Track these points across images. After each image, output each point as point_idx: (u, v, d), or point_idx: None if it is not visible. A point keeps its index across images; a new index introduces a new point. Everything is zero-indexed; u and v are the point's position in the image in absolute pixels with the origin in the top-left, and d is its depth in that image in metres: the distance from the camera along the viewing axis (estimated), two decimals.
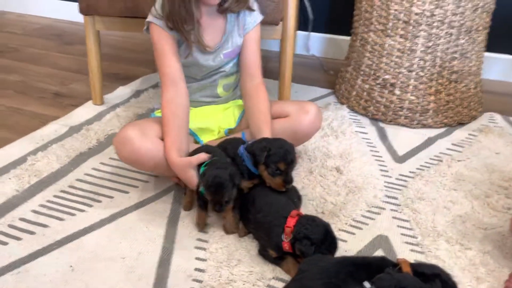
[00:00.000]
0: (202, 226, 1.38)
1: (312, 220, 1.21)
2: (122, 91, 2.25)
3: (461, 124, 2.00)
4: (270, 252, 1.25)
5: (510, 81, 2.47)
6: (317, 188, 1.56)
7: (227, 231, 1.36)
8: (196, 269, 1.24)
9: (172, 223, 1.41)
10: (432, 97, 1.94)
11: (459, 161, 1.72)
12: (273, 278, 1.22)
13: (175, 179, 1.55)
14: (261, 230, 1.28)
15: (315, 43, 2.77)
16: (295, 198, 1.38)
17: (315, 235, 1.17)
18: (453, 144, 1.84)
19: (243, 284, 1.19)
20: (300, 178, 1.61)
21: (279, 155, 1.32)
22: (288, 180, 1.33)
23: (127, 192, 1.54)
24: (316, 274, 1.09)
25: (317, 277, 1.08)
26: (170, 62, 1.48)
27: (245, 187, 1.39)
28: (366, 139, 1.88)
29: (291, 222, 1.22)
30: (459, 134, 1.93)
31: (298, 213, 1.25)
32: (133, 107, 2.08)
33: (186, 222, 1.42)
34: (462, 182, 1.60)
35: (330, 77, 2.46)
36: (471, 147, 1.82)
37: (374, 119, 2.02)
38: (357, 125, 1.98)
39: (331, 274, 1.08)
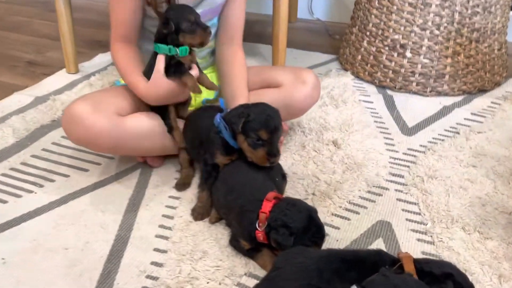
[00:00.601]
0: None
1: (292, 205, 0.99)
2: (101, 59, 2.06)
3: (482, 91, 1.83)
4: (242, 242, 1.04)
5: None
6: (309, 165, 1.36)
7: (196, 217, 1.15)
8: (152, 263, 1.04)
9: (133, 206, 1.22)
10: (449, 60, 1.74)
11: (479, 133, 1.55)
12: (245, 274, 1.02)
13: (141, 158, 1.38)
14: (232, 216, 1.06)
15: (319, 5, 2.55)
16: (277, 176, 1.16)
17: (295, 223, 0.96)
18: (472, 114, 1.68)
19: (207, 283, 0.98)
20: (290, 153, 1.41)
21: (259, 122, 1.10)
22: (273, 152, 1.11)
23: (86, 170, 1.35)
24: (293, 273, 0.88)
25: (293, 277, 0.87)
26: (127, 17, 1.26)
27: (221, 163, 1.18)
28: (371, 108, 1.70)
29: (267, 206, 1.00)
30: (480, 102, 1.76)
31: (276, 196, 1.03)
32: (109, 75, 1.89)
33: (151, 205, 1.21)
34: (483, 158, 1.42)
35: (336, 42, 2.27)
36: (493, 117, 1.65)
37: (381, 86, 1.84)
38: (362, 93, 1.79)
39: (312, 273, 0.87)
